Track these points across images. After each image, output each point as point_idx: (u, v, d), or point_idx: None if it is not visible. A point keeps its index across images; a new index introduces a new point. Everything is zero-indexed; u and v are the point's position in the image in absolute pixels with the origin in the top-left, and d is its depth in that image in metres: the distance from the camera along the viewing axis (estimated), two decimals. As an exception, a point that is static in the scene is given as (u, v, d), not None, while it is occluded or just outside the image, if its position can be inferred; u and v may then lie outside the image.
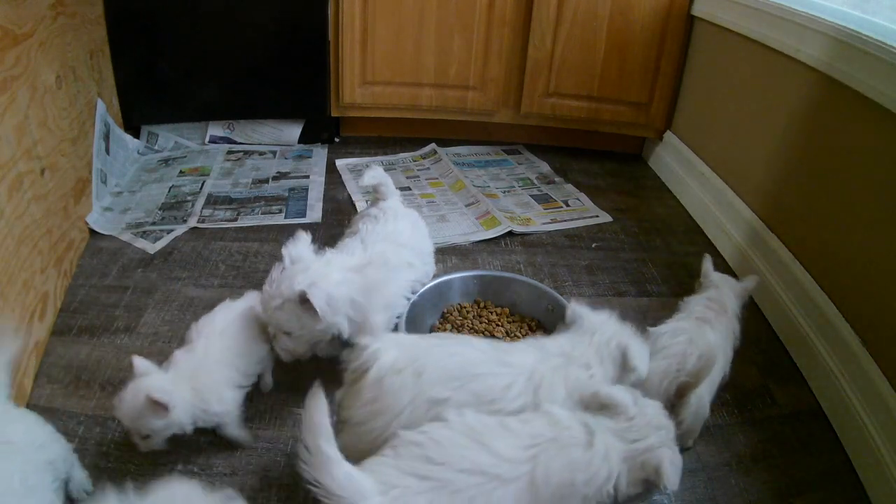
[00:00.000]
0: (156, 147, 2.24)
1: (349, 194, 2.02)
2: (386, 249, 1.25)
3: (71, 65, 1.65)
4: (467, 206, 2.01)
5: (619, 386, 0.99)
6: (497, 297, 1.47)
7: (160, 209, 1.86)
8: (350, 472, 0.76)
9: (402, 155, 2.36)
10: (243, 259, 1.66)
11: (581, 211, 2.04)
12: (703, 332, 1.15)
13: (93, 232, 1.70)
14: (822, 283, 1.42)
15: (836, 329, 1.32)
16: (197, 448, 1.11)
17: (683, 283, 1.65)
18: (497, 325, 1.41)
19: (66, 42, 1.62)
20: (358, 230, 1.33)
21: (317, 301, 1.06)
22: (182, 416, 1.00)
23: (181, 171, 2.10)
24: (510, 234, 1.85)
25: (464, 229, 1.87)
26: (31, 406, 1.18)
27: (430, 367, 0.95)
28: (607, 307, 1.14)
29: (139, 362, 1.02)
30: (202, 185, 2.02)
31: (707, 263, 1.33)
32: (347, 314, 1.13)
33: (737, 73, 1.89)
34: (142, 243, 1.68)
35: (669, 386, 1.09)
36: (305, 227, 1.81)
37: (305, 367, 1.23)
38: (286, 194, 2.00)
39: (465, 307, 1.46)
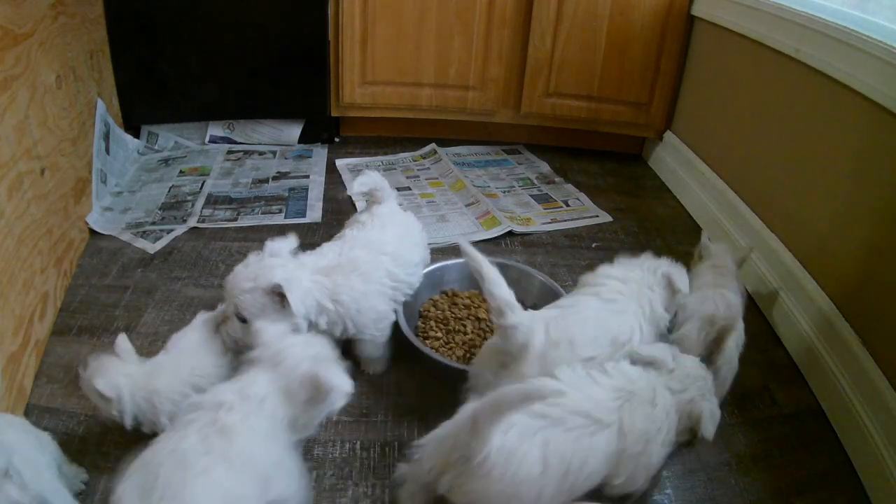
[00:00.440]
0: (156, 147, 2.24)
1: (349, 194, 2.02)
2: (360, 256, 1.23)
3: (71, 65, 1.65)
4: (467, 206, 2.01)
5: (658, 343, 1.13)
6: (462, 284, 1.52)
7: (160, 209, 1.86)
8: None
9: (402, 155, 2.36)
10: (243, 259, 1.65)
11: (581, 211, 2.04)
12: (723, 294, 1.29)
13: (93, 232, 1.70)
14: (822, 282, 1.42)
15: (836, 329, 1.32)
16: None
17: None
18: (476, 306, 1.45)
19: (66, 42, 1.62)
20: (343, 235, 1.32)
21: (292, 297, 1.09)
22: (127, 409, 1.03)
23: (181, 171, 2.10)
24: (510, 234, 1.85)
25: (464, 229, 1.87)
26: (31, 406, 1.18)
27: (577, 334, 1.06)
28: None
29: (122, 342, 1.08)
30: (202, 184, 2.02)
31: (705, 236, 1.50)
32: (310, 318, 1.16)
33: (737, 73, 1.89)
34: (142, 243, 1.68)
35: (706, 339, 1.23)
36: (305, 227, 1.82)
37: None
38: (286, 194, 2.00)
39: (436, 300, 1.47)
